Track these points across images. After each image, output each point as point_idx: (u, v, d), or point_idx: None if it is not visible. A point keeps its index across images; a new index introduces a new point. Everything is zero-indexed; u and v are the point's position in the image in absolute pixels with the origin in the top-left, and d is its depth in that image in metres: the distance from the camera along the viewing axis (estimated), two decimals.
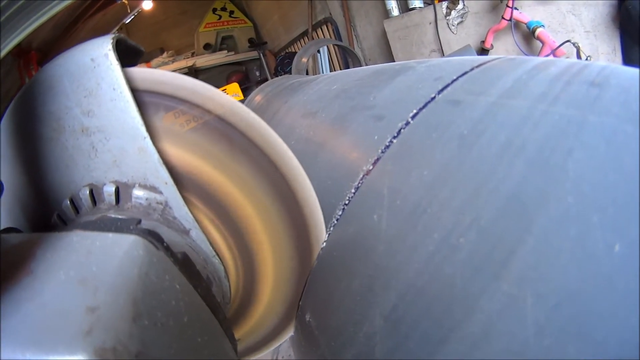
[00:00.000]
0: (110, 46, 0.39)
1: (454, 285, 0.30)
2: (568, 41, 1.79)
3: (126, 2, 4.07)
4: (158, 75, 0.41)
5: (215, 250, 0.43)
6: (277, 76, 4.61)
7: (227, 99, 0.42)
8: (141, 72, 0.41)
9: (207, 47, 5.48)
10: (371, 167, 0.41)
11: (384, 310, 0.34)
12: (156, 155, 0.39)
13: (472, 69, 0.42)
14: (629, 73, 0.36)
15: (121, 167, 0.40)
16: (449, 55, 2.02)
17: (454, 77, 0.41)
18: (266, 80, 4.84)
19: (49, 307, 0.25)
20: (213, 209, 0.43)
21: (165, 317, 0.29)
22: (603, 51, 1.92)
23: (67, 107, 0.40)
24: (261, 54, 5.26)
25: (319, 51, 3.57)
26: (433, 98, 0.41)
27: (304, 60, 2.68)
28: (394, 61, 2.90)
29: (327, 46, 3.67)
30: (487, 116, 0.35)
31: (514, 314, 0.27)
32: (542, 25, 1.94)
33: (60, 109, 0.40)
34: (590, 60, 1.70)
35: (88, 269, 0.28)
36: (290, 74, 2.88)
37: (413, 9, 2.63)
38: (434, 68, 0.48)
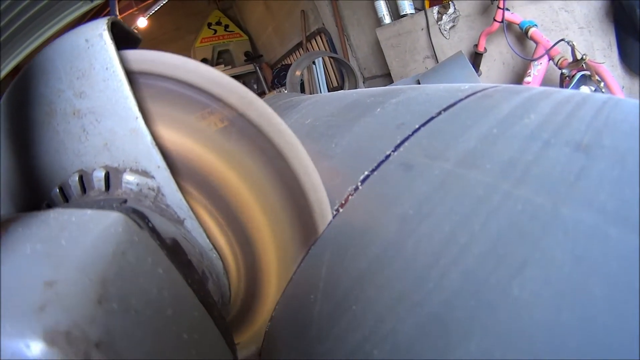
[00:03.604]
0: (105, 27, 0.38)
1: None
2: (562, 40, 1.75)
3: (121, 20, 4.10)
4: (155, 55, 0.40)
5: (212, 244, 0.41)
6: (274, 88, 4.62)
7: (231, 86, 0.40)
8: (136, 54, 0.39)
9: (204, 62, 5.45)
10: (308, 249, 0.38)
11: None
12: (149, 137, 0.37)
13: (439, 114, 0.38)
14: (630, 123, 0.29)
15: (112, 150, 0.38)
16: (441, 64, 1.99)
17: (416, 126, 0.38)
18: (263, 93, 4.85)
19: (5, 280, 0.22)
20: (211, 199, 0.41)
21: (142, 305, 0.25)
22: (598, 47, 1.89)
23: (60, 89, 0.39)
24: (257, 67, 5.27)
25: (314, 63, 3.56)
26: (387, 157, 0.37)
27: (298, 73, 2.67)
28: (388, 70, 2.89)
29: (322, 57, 3.66)
30: (437, 193, 0.31)
31: None
32: (535, 25, 1.91)
33: (52, 92, 0.39)
34: (585, 58, 1.66)
35: (57, 242, 0.25)
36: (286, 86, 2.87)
37: (404, 15, 2.61)
38: (401, 108, 0.45)
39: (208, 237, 0.40)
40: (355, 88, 3.05)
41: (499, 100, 0.37)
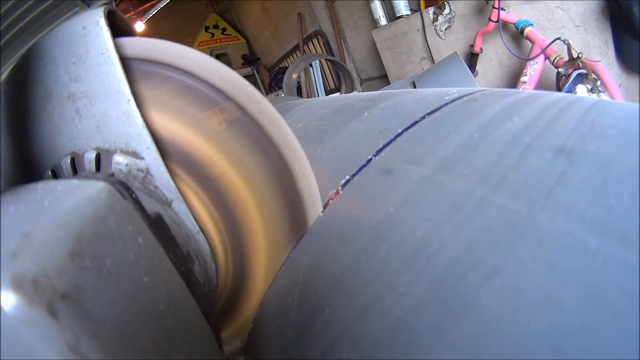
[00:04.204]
0: (102, 14, 0.39)
1: None
2: (558, 39, 1.75)
3: None
4: (150, 42, 0.41)
5: (200, 227, 0.41)
6: (271, 91, 4.62)
7: (216, 70, 0.41)
8: (131, 40, 0.41)
9: None
10: (295, 244, 0.38)
11: None
12: (140, 119, 0.38)
13: (422, 118, 0.38)
14: (619, 127, 0.28)
15: (104, 132, 0.39)
16: (437, 65, 1.99)
17: (399, 131, 0.37)
18: None
19: None
20: (202, 184, 0.41)
21: (117, 267, 0.25)
22: (595, 45, 1.88)
23: (56, 74, 0.40)
24: (254, 70, 5.27)
25: (311, 65, 3.56)
26: (369, 161, 0.37)
27: (294, 76, 2.67)
28: (385, 71, 2.88)
29: (319, 60, 3.66)
30: (413, 200, 0.30)
31: None
32: (531, 24, 1.91)
33: (49, 76, 0.40)
34: (581, 57, 1.65)
35: (40, 204, 0.26)
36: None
37: (400, 17, 2.61)
38: (387, 112, 0.44)
39: (196, 220, 0.41)
40: (352, 90, 3.05)
41: (484, 104, 0.37)
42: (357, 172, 0.37)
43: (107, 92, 0.38)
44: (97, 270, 0.24)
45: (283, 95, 2.81)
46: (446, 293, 0.24)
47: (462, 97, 0.41)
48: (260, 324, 0.42)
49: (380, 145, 0.37)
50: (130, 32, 0.48)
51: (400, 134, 0.37)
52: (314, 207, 0.41)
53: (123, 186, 0.31)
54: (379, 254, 0.29)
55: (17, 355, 0.19)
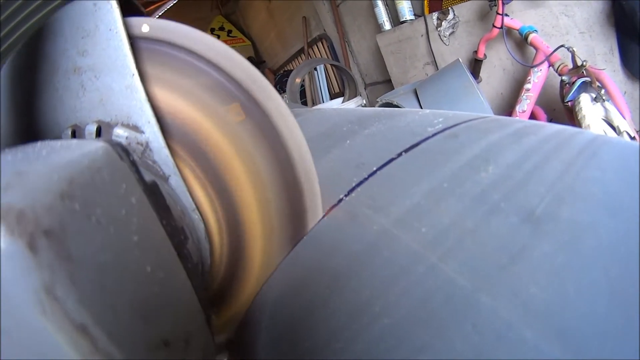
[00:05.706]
0: None
1: None
2: (562, 46, 1.73)
3: None
4: (155, 22, 0.42)
5: (196, 205, 0.42)
6: None
7: (221, 50, 0.41)
8: (138, 20, 0.42)
9: None
10: (269, 276, 0.39)
11: None
12: (143, 93, 0.39)
13: (399, 155, 0.37)
14: (603, 184, 0.24)
15: (106, 105, 0.40)
16: (439, 72, 1.97)
17: (374, 169, 0.36)
18: None
19: None
20: (201, 165, 0.42)
21: (106, 219, 0.25)
22: (600, 52, 1.86)
23: (64, 48, 0.41)
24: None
25: (316, 69, 3.55)
26: (340, 201, 0.36)
27: (298, 80, 2.68)
28: (388, 76, 2.87)
29: (324, 64, 3.65)
30: (368, 254, 0.29)
31: None
32: (535, 31, 1.89)
33: (57, 51, 0.42)
34: (586, 65, 1.63)
35: (38, 153, 0.26)
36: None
37: (404, 22, 2.60)
38: (369, 142, 0.43)
39: (192, 198, 0.41)
40: (355, 95, 3.04)
41: (463, 143, 0.35)
42: (328, 211, 0.37)
43: (112, 66, 0.40)
44: (86, 216, 0.24)
45: (287, 99, 2.82)
46: None
47: (444, 130, 0.39)
48: (242, 329, 0.42)
49: (353, 184, 0.37)
50: (138, 11, 0.49)
51: (373, 173, 0.36)
52: (314, 211, 0.40)
53: (122, 149, 0.31)
54: (329, 305, 0.29)
55: None
